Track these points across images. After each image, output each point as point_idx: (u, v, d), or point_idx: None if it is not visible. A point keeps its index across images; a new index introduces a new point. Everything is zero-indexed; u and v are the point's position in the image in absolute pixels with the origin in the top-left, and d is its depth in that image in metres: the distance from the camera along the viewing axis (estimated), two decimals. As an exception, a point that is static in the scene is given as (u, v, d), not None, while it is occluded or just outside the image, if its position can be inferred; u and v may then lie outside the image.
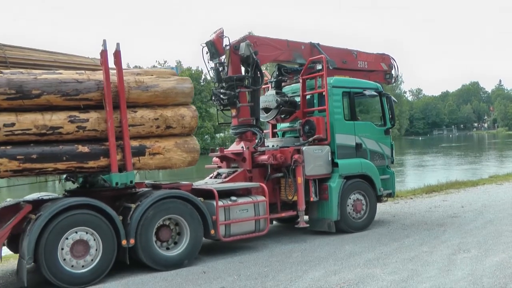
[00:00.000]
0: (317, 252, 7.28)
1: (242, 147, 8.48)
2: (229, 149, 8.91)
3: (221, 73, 8.57)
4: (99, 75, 6.54)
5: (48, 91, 6.10)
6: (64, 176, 7.53)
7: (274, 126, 10.04)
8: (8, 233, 6.04)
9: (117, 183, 6.46)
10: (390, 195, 9.58)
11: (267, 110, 9.09)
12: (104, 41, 6.57)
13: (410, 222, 9.48)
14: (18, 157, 5.90)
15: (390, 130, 9.61)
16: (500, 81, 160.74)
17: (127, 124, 6.53)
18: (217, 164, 8.94)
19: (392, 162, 9.69)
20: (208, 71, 8.88)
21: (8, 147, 5.89)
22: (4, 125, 5.84)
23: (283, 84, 9.55)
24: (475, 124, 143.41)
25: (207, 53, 8.74)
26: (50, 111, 6.20)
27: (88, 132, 6.39)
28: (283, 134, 9.88)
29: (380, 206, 10.39)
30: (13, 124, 5.89)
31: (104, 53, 6.54)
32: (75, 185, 7.66)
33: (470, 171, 24.78)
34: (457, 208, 10.84)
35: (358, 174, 8.85)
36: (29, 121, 5.99)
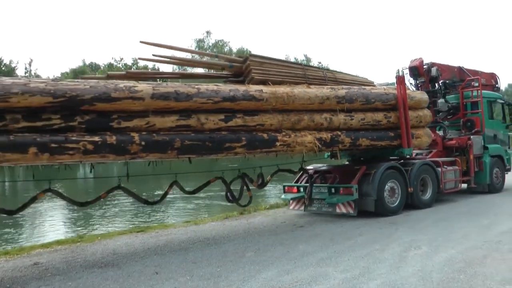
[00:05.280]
0: (271, 252, 7.29)
1: (434, 136, 13.03)
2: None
3: (419, 88, 13.09)
4: (393, 90, 10.87)
5: (377, 99, 10.37)
6: (329, 153, 11.77)
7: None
8: (358, 177, 10.15)
9: (407, 155, 10.85)
10: (509, 170, 14.43)
11: (438, 112, 13.65)
12: (398, 70, 10.98)
13: (363, 221, 9.72)
14: (368, 137, 10.14)
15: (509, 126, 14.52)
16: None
17: (409, 120, 10.91)
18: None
19: (509, 148, 14.57)
20: (410, 86, 13.31)
21: (362, 132, 10.12)
22: (361, 119, 10.02)
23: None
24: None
25: (405, 74, 13.19)
26: (372, 111, 10.44)
27: (390, 124, 10.69)
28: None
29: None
30: (363, 119, 10.08)
31: (398, 76, 10.95)
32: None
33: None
34: (411, 207, 11.06)
35: (497, 155, 13.64)
36: (369, 117, 10.22)
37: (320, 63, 70.52)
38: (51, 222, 14.66)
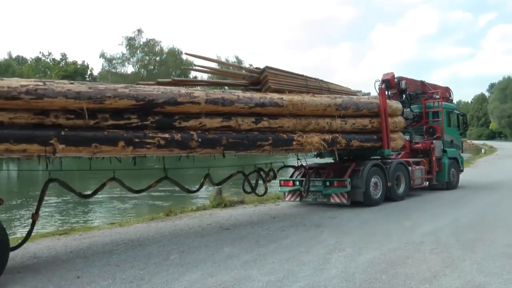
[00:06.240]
0: (195, 254, 7.22)
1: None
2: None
3: (390, 98, 15.28)
4: (376, 100, 12.93)
5: (365, 107, 12.36)
6: (315, 153, 13.68)
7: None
8: (350, 172, 12.11)
9: (387, 155, 12.93)
10: (462, 171, 16.99)
11: (405, 119, 15.91)
12: (378, 81, 13.12)
13: (289, 223, 9.87)
14: (358, 139, 12.09)
15: (463, 133, 17.11)
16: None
17: (389, 125, 13.00)
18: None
19: (462, 152, 17.15)
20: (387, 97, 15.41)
21: (353, 134, 12.04)
22: (353, 124, 11.98)
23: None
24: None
25: (378, 85, 15.32)
26: (361, 117, 12.44)
27: (373, 128, 12.71)
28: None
29: (261, 208, 12.67)
30: (354, 123, 11.99)
31: (379, 88, 13.04)
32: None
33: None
34: (336, 208, 11.60)
35: (453, 157, 16.14)
36: (359, 122, 12.18)
37: (251, 65, 72.88)
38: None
